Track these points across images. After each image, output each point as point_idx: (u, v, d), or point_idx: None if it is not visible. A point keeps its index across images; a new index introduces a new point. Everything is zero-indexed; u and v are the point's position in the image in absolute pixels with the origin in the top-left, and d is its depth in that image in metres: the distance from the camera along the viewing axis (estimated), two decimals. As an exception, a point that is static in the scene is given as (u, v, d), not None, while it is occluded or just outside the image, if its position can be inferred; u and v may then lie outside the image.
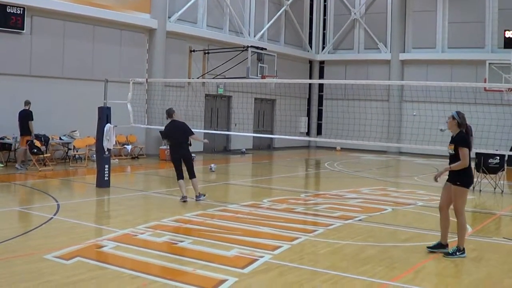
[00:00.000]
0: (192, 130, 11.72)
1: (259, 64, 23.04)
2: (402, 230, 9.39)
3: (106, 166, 13.10)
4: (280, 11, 28.84)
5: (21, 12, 17.16)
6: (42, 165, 16.22)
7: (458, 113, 7.66)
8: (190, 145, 12.18)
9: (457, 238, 7.67)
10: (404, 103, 28.26)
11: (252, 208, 11.09)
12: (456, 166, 7.48)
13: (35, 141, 15.91)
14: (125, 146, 20.30)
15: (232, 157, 23.75)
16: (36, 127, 16.28)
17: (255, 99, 27.60)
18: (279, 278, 6.46)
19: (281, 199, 12.28)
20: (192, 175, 11.52)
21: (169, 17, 22.25)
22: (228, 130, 25.37)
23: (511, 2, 25.82)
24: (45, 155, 16.37)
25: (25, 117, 16.10)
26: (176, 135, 11.51)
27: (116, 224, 9.23)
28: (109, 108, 13.28)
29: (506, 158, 14.75)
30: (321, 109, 31.77)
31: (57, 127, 17.96)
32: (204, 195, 11.56)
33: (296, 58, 30.29)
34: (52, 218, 9.43)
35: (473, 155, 8.29)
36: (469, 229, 8.45)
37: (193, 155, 20.77)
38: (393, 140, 25.75)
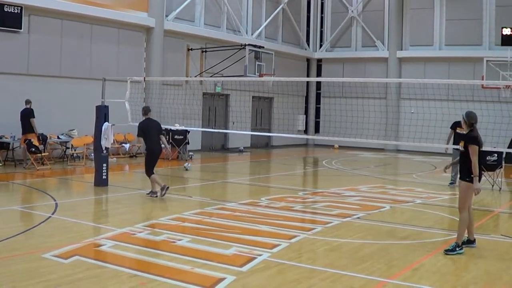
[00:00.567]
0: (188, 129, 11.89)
1: (257, 62, 23.03)
2: (400, 228, 9.40)
3: (104, 165, 13.09)
4: (278, 9, 28.82)
5: (19, 11, 17.13)
6: (40, 164, 16.21)
7: (467, 113, 7.97)
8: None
9: (456, 235, 7.77)
10: (402, 101, 28.30)
11: (250, 206, 11.10)
12: (474, 169, 7.66)
13: (33, 140, 15.88)
14: (123, 144, 20.23)
15: (230, 156, 23.74)
16: (35, 126, 16.29)
17: (253, 97, 27.59)
18: (277, 276, 6.47)
19: (279, 197, 12.29)
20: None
21: (166, 16, 22.22)
22: (226, 129, 25.37)
23: (509, -1, 25.86)
24: (43, 154, 16.35)
25: (27, 115, 16.09)
26: (152, 132, 11.93)
27: (114, 222, 9.23)
28: (107, 107, 13.28)
29: (504, 155, 14.76)
30: (319, 107, 31.77)
31: (55, 126, 17.94)
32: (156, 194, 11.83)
33: (294, 56, 30.29)
34: (50, 217, 9.42)
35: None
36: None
37: (190, 153, 21.01)
38: (391, 138, 25.76)
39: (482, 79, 22.10)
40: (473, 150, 7.67)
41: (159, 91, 21.44)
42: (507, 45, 22.75)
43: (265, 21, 28.01)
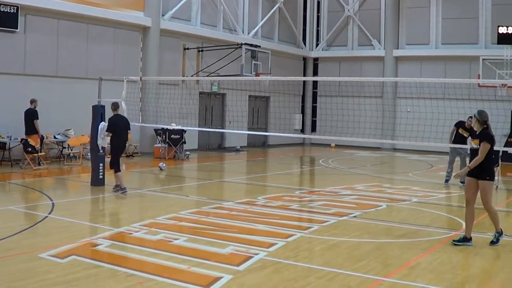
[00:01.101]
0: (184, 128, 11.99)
1: (253, 62, 23.01)
2: (397, 227, 9.41)
3: (101, 164, 13.10)
4: (274, 8, 28.82)
5: (15, 11, 17.09)
6: (36, 164, 16.19)
7: (478, 112, 8.22)
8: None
9: (493, 226, 8.15)
10: (398, 100, 28.34)
11: (247, 205, 11.11)
12: (474, 163, 7.94)
13: (29, 140, 15.85)
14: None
15: (227, 155, 23.74)
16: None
17: (249, 96, 27.59)
18: (274, 275, 6.48)
19: (276, 196, 12.30)
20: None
21: (163, 15, 22.21)
22: (222, 128, 25.38)
23: (504, -2, 25.90)
24: (39, 154, 16.33)
25: (30, 116, 16.08)
26: (121, 127, 12.30)
27: (111, 222, 9.23)
28: (103, 107, 13.28)
29: (500, 153, 14.78)
30: (315, 106, 31.79)
31: (52, 125, 17.89)
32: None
33: (290, 55, 30.31)
34: (47, 216, 9.41)
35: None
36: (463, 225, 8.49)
37: (187, 153, 21.00)
38: (387, 137, 25.76)
39: (478, 78, 22.14)
40: (485, 148, 7.89)
41: (156, 90, 21.43)
42: (503, 43, 22.79)
43: (262, 20, 28.01)
